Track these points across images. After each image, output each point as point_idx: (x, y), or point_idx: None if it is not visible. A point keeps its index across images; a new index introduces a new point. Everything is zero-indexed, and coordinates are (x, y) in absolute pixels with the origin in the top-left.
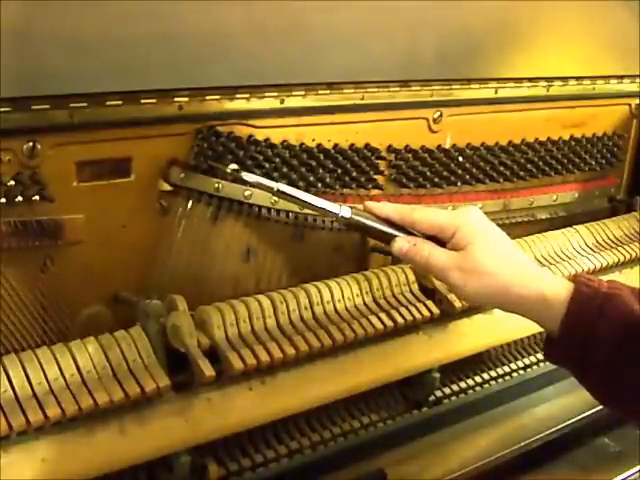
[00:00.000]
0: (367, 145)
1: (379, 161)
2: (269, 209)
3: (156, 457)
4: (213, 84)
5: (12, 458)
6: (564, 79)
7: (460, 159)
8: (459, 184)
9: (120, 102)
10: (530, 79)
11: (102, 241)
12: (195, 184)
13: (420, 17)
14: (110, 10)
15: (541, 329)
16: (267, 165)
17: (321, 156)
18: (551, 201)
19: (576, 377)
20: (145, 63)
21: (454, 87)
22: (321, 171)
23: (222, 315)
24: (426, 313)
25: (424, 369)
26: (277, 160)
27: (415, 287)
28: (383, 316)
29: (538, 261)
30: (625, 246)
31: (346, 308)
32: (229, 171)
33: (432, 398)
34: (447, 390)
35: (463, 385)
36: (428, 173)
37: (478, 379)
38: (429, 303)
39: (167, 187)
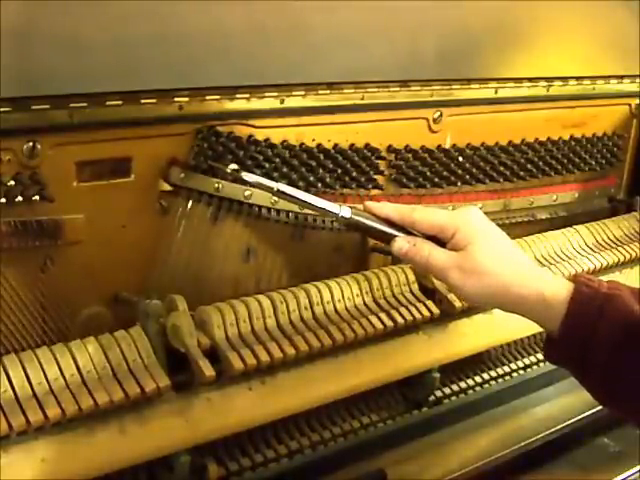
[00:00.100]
0: (367, 145)
1: (379, 161)
2: (269, 209)
3: (156, 457)
4: (213, 84)
5: (12, 458)
6: (564, 79)
7: (460, 159)
8: (459, 184)
9: (120, 102)
10: (530, 79)
11: (102, 241)
12: (195, 184)
13: (420, 17)
14: (110, 10)
15: (541, 329)
16: (267, 165)
17: (321, 156)
18: (551, 201)
19: (576, 377)
20: (145, 63)
21: (454, 87)
22: (321, 171)
23: (222, 315)
24: (426, 313)
25: (424, 369)
26: (277, 160)
27: (415, 287)
28: (383, 316)
29: (538, 261)
30: (625, 246)
31: (346, 308)
32: (229, 171)
33: (432, 398)
34: (447, 390)
35: (463, 385)
36: (428, 173)
37: (478, 379)
38: (429, 303)
39: (167, 187)
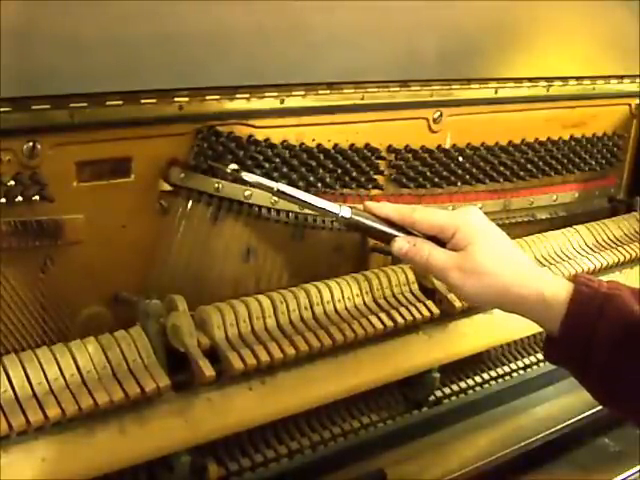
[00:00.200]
0: (367, 145)
1: (379, 161)
2: (269, 209)
3: (156, 457)
4: (213, 84)
5: (12, 458)
6: (564, 79)
7: (460, 159)
8: (459, 184)
9: (120, 102)
10: (530, 79)
11: (102, 241)
12: (195, 184)
13: (420, 17)
14: (110, 10)
15: (541, 329)
16: (267, 165)
17: (321, 156)
18: (551, 201)
19: (576, 377)
20: (145, 63)
21: (454, 87)
22: (321, 171)
23: (222, 315)
24: (426, 313)
25: (424, 369)
26: (277, 160)
27: (415, 287)
28: (383, 316)
29: (538, 261)
30: (625, 246)
31: (346, 308)
32: (229, 171)
33: (432, 398)
34: (447, 390)
35: (463, 385)
36: (428, 173)
37: (478, 379)
38: (429, 303)
39: (167, 187)
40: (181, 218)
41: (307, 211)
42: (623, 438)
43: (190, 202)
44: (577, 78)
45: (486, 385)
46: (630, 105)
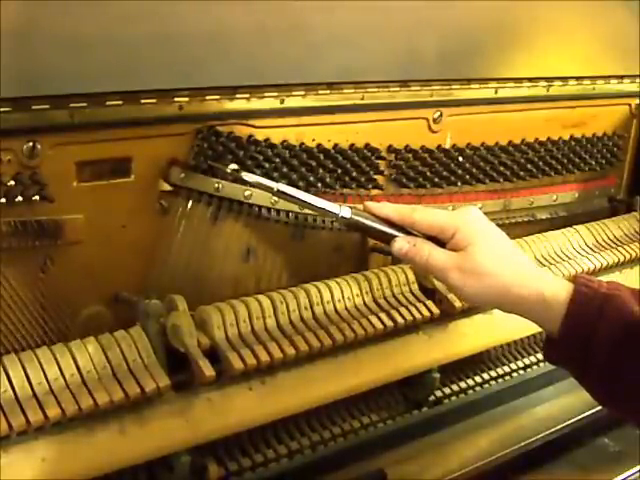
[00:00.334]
0: (367, 145)
1: (379, 161)
2: (269, 209)
3: (156, 457)
4: (213, 84)
5: (12, 458)
6: (564, 79)
7: (460, 159)
8: (459, 184)
9: (120, 102)
10: (530, 79)
11: (102, 241)
12: (195, 184)
13: (420, 17)
14: (110, 10)
15: (541, 329)
16: (267, 165)
17: (321, 156)
18: (551, 201)
19: (576, 378)
20: (145, 63)
21: (454, 87)
22: (321, 171)
23: (222, 315)
24: (426, 313)
25: (424, 369)
26: (277, 160)
27: (415, 287)
28: (383, 316)
29: (538, 261)
30: (625, 246)
31: (346, 308)
32: (229, 171)
33: (432, 398)
34: (447, 390)
35: (463, 385)
36: (428, 173)
37: (478, 379)
38: (429, 303)
39: (167, 187)
40: (181, 218)
41: (307, 211)
42: (623, 438)
43: (190, 202)
44: (577, 78)
45: (486, 385)
46: (630, 105)
